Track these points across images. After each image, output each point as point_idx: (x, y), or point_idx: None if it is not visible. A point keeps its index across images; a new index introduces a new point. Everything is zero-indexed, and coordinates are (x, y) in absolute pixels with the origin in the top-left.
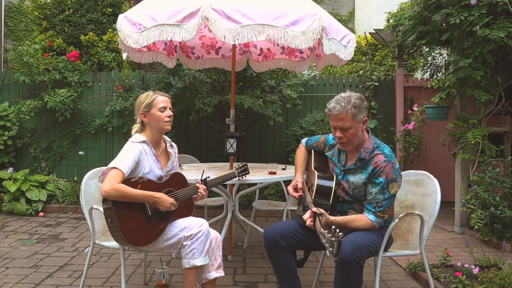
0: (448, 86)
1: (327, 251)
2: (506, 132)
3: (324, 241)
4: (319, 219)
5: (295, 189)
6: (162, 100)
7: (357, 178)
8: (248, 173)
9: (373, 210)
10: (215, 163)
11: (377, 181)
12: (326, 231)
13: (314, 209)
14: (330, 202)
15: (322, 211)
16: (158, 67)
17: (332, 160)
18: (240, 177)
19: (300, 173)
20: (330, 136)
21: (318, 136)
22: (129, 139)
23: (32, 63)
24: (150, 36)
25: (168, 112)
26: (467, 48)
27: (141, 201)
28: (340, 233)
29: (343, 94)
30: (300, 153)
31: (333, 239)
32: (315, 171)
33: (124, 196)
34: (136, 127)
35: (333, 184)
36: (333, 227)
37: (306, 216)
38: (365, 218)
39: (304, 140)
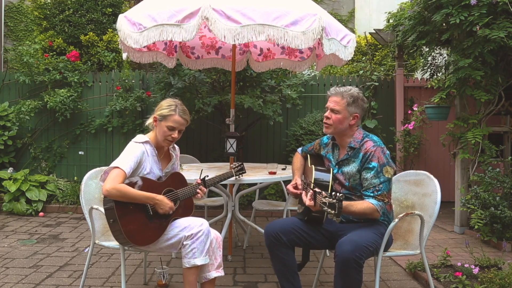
0: (448, 86)
1: (329, 215)
2: (506, 132)
3: (325, 208)
4: (319, 196)
5: (295, 187)
6: (175, 120)
7: (352, 168)
8: (245, 172)
9: (372, 194)
10: (215, 163)
11: (370, 166)
12: (326, 198)
13: (315, 189)
14: (329, 192)
15: (321, 191)
16: (158, 67)
17: (326, 157)
18: (237, 176)
19: (298, 176)
20: (325, 137)
21: (313, 142)
22: (132, 139)
23: (32, 63)
24: (150, 36)
25: (174, 133)
26: (467, 48)
27: (141, 202)
28: (339, 194)
29: (347, 86)
30: (297, 159)
31: (334, 201)
32: (313, 166)
33: (125, 196)
34: (150, 118)
35: (330, 175)
36: (333, 192)
37: (307, 198)
38: (366, 202)
39: (299, 149)
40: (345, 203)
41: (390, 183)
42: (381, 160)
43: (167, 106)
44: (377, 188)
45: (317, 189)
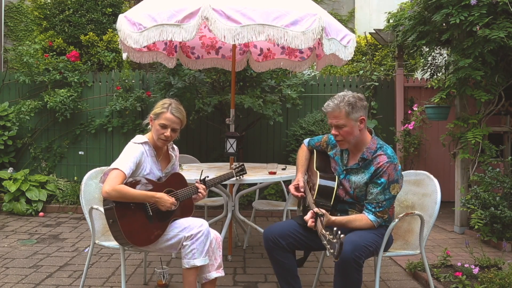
0: (448, 86)
1: (327, 252)
2: (506, 132)
3: (325, 242)
4: (321, 220)
5: (297, 188)
6: (167, 118)
7: (360, 178)
8: (245, 173)
9: (373, 210)
10: (215, 163)
11: (379, 182)
12: (327, 233)
13: (316, 209)
14: (331, 203)
15: (324, 211)
16: (158, 67)
17: (334, 159)
18: (238, 177)
19: (301, 173)
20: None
21: (321, 136)
22: (131, 140)
23: (32, 63)
24: (150, 36)
25: (166, 131)
26: (467, 48)
27: (142, 201)
28: (341, 235)
29: (340, 93)
30: (302, 153)
31: (335, 241)
32: (317, 171)
33: (125, 197)
34: (148, 118)
35: (335, 184)
36: (335, 229)
37: (308, 216)
38: (365, 218)
39: (306, 140)
40: (344, 219)
41: (394, 199)
42: (391, 177)
43: (161, 104)
44: (380, 205)
45: (318, 211)
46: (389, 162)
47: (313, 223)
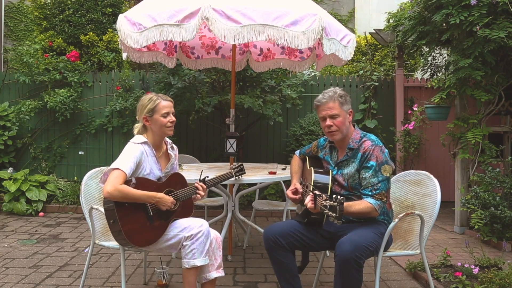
0: (448, 86)
1: (330, 218)
2: (506, 132)
3: (326, 211)
4: (319, 197)
5: (294, 192)
6: (165, 105)
7: (351, 168)
8: (244, 173)
9: (370, 193)
10: (215, 163)
11: (369, 165)
12: (327, 201)
13: (315, 191)
14: (328, 193)
15: (322, 194)
16: (158, 67)
17: (325, 159)
18: (237, 177)
19: (296, 179)
20: (321, 138)
21: (310, 144)
22: (130, 140)
23: (32, 63)
24: (150, 36)
25: (171, 118)
26: (467, 48)
27: (143, 201)
28: (340, 197)
29: (328, 89)
30: (295, 162)
31: (335, 204)
32: (312, 168)
33: (126, 197)
34: (137, 127)
35: (329, 178)
36: (334, 195)
37: (307, 200)
38: (365, 202)
39: (297, 152)
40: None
41: (389, 182)
42: (379, 159)
43: (148, 101)
44: (375, 187)
45: (317, 192)
46: (373, 145)
47: (313, 205)
